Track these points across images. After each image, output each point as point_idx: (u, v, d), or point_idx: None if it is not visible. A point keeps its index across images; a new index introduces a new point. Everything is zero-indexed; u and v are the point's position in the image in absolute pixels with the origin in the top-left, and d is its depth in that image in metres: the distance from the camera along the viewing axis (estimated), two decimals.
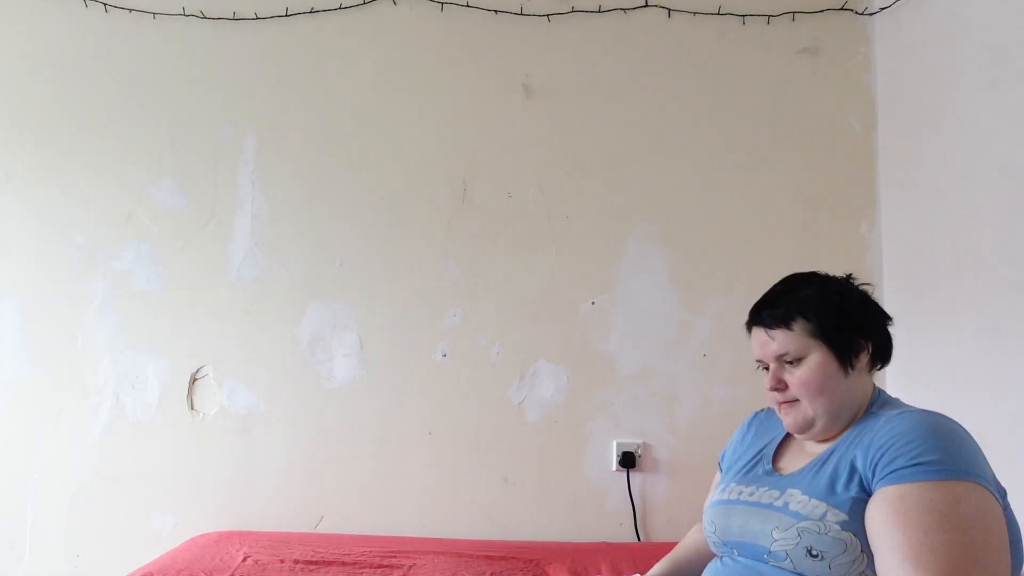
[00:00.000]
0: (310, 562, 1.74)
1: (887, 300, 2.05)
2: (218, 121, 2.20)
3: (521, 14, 2.20)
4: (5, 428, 2.14)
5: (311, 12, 2.21)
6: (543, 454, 2.12)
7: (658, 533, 2.10)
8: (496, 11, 2.20)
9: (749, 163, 2.16)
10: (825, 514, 1.02)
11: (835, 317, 1.12)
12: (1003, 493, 1.00)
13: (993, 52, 1.69)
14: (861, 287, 1.18)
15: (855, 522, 1.00)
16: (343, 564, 1.73)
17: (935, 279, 1.90)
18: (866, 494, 1.01)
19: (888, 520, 0.96)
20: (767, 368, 1.18)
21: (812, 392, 1.11)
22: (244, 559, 1.75)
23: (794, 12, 2.18)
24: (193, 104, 2.20)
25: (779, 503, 1.09)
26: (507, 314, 2.15)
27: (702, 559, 1.31)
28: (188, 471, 2.13)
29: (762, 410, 1.36)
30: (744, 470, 1.24)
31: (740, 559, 1.13)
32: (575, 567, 1.75)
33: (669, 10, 2.19)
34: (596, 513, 2.10)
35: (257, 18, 2.21)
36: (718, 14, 2.18)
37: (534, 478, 2.12)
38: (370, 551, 1.83)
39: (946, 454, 0.96)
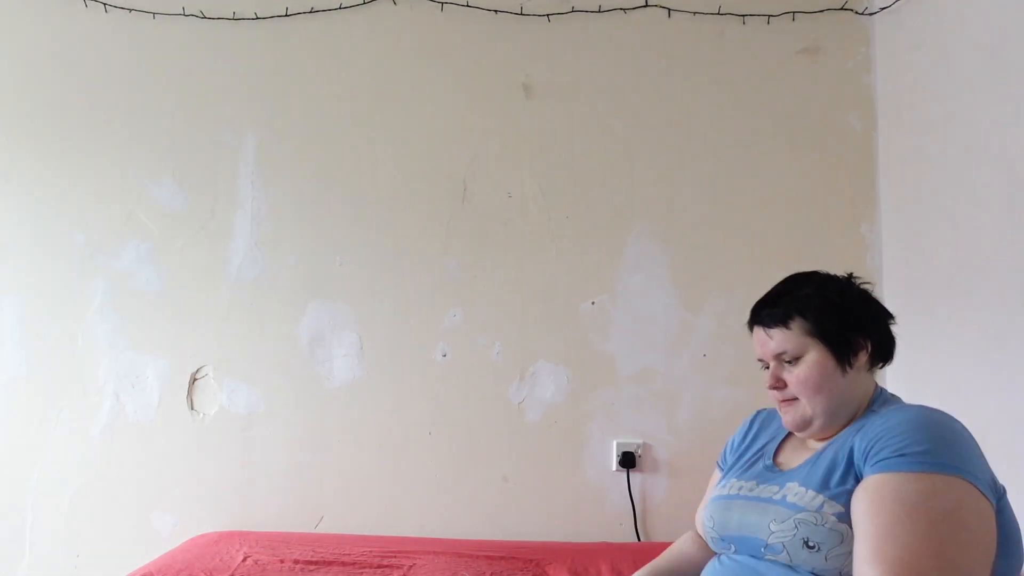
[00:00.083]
0: (310, 562, 1.74)
1: (887, 300, 2.00)
2: (218, 121, 2.20)
3: (521, 14, 2.20)
4: (5, 428, 2.15)
5: (311, 12, 2.21)
6: (543, 454, 2.12)
7: (658, 533, 2.10)
8: (496, 11, 2.20)
9: (749, 163, 2.16)
10: (822, 506, 1.01)
11: (833, 316, 1.12)
12: (1000, 492, 1.00)
13: (993, 52, 1.69)
14: (862, 286, 1.18)
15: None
16: (343, 564, 1.73)
17: (935, 279, 1.90)
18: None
19: (862, 509, 0.96)
20: (768, 367, 1.18)
21: (810, 390, 1.12)
22: (244, 559, 1.75)
23: (794, 12, 2.18)
24: (193, 104, 2.20)
25: (778, 496, 1.09)
26: (507, 314, 2.15)
27: (684, 568, 1.31)
28: (188, 471, 2.13)
29: (764, 409, 1.36)
30: (745, 466, 1.24)
31: (737, 557, 1.13)
32: (575, 567, 1.75)
33: (669, 10, 2.19)
34: (596, 513, 2.10)
35: (257, 18, 2.21)
36: (718, 14, 2.18)
37: (534, 478, 2.12)
38: (370, 551, 1.83)
39: (933, 447, 0.95)
